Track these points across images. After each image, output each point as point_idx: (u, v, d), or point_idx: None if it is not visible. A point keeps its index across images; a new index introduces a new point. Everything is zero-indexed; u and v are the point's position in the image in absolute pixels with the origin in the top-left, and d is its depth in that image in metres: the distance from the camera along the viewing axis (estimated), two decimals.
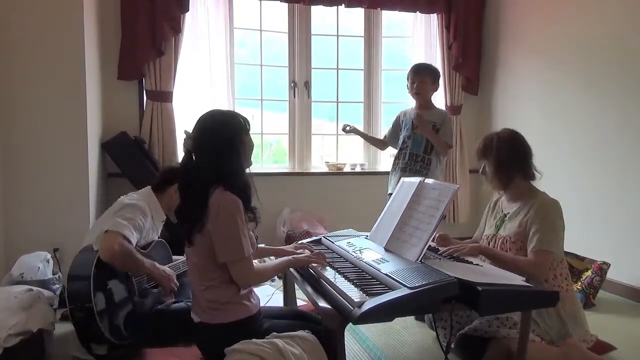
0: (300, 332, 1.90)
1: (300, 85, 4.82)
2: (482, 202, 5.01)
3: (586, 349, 2.22)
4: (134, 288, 2.40)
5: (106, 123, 4.13)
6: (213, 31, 4.43)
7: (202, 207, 1.83)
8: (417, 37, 4.99)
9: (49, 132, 3.52)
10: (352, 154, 5.13)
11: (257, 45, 4.77)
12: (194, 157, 1.92)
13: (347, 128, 3.82)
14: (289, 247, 2.39)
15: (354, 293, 1.75)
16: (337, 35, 4.98)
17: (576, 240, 3.44)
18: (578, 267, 3.53)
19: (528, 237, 2.26)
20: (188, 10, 4.22)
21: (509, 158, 2.33)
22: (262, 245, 2.39)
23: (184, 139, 1.98)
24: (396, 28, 5.26)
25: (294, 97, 4.84)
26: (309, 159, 4.91)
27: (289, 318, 2.14)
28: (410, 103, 3.71)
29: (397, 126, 3.68)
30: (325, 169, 4.92)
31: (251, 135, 2.01)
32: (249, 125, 1.99)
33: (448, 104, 4.96)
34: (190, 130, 1.96)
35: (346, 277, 1.94)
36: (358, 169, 4.98)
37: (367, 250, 2.27)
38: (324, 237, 2.71)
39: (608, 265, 3.43)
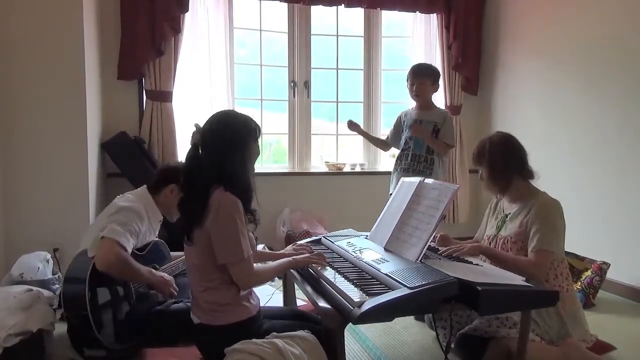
0: (300, 332, 1.89)
1: (300, 85, 4.82)
2: (482, 202, 5.02)
3: (586, 349, 2.23)
4: (131, 291, 2.37)
5: (106, 123, 4.13)
6: (213, 31, 4.43)
7: (202, 205, 1.83)
8: (417, 37, 4.99)
9: (49, 132, 3.52)
10: (352, 154, 5.13)
11: (257, 45, 4.77)
12: (200, 151, 1.92)
13: (351, 124, 3.77)
14: (288, 250, 2.38)
15: (353, 293, 1.75)
16: (337, 35, 4.98)
17: (576, 240, 3.44)
18: (578, 267, 3.53)
19: (529, 237, 2.26)
20: (188, 10, 4.22)
21: (503, 161, 2.33)
22: (261, 248, 2.39)
23: (193, 132, 1.95)
24: (396, 28, 5.26)
25: (294, 97, 4.84)
26: (309, 159, 4.91)
27: (288, 318, 2.14)
28: (410, 103, 3.71)
29: (398, 127, 3.67)
30: (325, 169, 4.92)
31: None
32: (260, 132, 1.99)
33: (448, 104, 4.96)
34: (201, 125, 1.95)
35: (346, 277, 1.94)
36: (358, 169, 4.98)
37: (367, 250, 2.27)
38: (323, 237, 2.71)
39: (608, 265, 3.43)
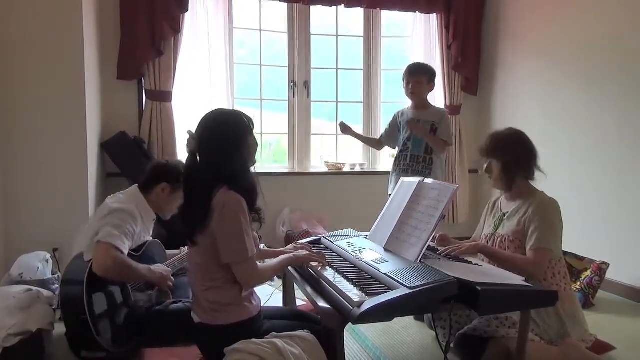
0: (299, 332, 1.89)
1: (299, 85, 4.82)
2: (481, 202, 5.01)
3: (585, 349, 2.23)
4: (129, 292, 2.36)
5: (105, 123, 4.13)
6: (212, 31, 4.43)
7: (205, 208, 1.82)
8: (417, 37, 4.99)
9: (49, 132, 3.52)
10: (352, 154, 5.13)
11: (257, 45, 4.77)
12: (198, 158, 1.91)
13: (343, 126, 3.80)
14: (289, 248, 2.38)
15: (353, 293, 1.75)
16: (337, 35, 4.98)
17: (576, 240, 3.45)
18: (577, 267, 3.53)
19: (527, 235, 2.26)
20: (188, 10, 4.22)
21: (519, 159, 2.33)
22: (262, 247, 2.39)
23: (188, 140, 1.94)
24: (396, 28, 5.26)
25: (294, 97, 4.84)
26: (309, 159, 4.91)
27: (288, 318, 2.14)
28: (408, 103, 3.71)
29: (394, 126, 3.67)
30: (324, 169, 4.92)
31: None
32: (253, 124, 1.98)
33: (447, 104, 4.96)
34: (193, 131, 1.94)
35: (346, 277, 1.94)
36: (358, 169, 4.98)
37: (367, 250, 2.27)
38: (323, 237, 2.71)
39: (607, 265, 3.44)
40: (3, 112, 3.43)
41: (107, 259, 2.15)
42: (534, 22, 4.44)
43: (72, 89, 3.55)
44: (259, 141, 2.06)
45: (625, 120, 3.57)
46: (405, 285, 1.72)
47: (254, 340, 1.81)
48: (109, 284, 2.28)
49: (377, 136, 4.08)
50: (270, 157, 5.14)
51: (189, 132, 1.94)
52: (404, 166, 3.52)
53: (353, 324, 1.73)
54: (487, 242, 2.43)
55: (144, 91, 4.28)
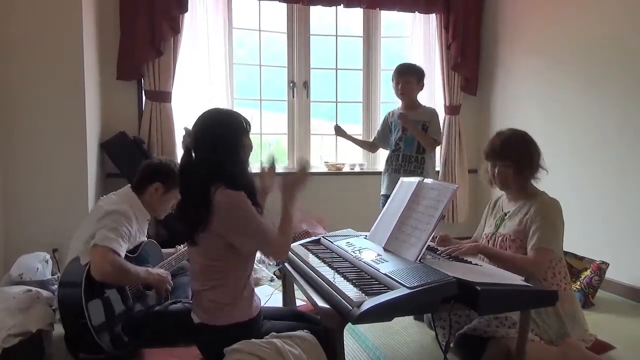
0: (299, 332, 1.89)
1: (299, 85, 4.82)
2: (481, 202, 5.01)
3: (585, 349, 2.23)
4: (127, 294, 2.35)
5: (105, 123, 4.13)
6: (212, 31, 4.43)
7: (205, 208, 1.81)
8: (416, 37, 5.00)
9: (48, 132, 3.52)
10: (351, 154, 5.12)
11: (256, 45, 4.77)
12: (193, 154, 1.91)
13: (338, 130, 3.83)
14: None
15: (353, 293, 1.75)
16: (336, 36, 4.98)
17: (576, 240, 3.45)
18: (577, 266, 3.53)
19: (528, 235, 2.26)
20: (187, 10, 4.22)
21: (531, 160, 2.32)
22: None
23: (183, 136, 1.93)
24: (395, 28, 5.26)
25: (293, 97, 4.84)
26: (308, 159, 4.91)
27: (288, 318, 2.14)
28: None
29: (386, 127, 3.71)
30: (324, 169, 4.92)
31: (251, 136, 2.00)
32: (250, 126, 1.98)
33: (447, 104, 4.96)
34: (190, 128, 1.93)
35: (345, 277, 1.94)
36: (357, 169, 4.98)
37: (366, 250, 2.27)
38: (323, 237, 2.70)
39: (607, 265, 3.44)
40: (3, 112, 3.43)
41: (105, 263, 2.13)
42: (534, 22, 4.44)
43: (71, 89, 3.55)
44: (258, 141, 2.05)
45: (625, 120, 3.57)
46: (404, 285, 1.72)
47: (253, 340, 1.81)
48: (108, 286, 2.27)
49: (372, 139, 4.08)
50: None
51: (185, 129, 1.93)
52: (395, 166, 3.55)
53: (353, 324, 1.73)
54: (488, 242, 2.43)
55: (143, 91, 4.28)
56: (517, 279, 1.94)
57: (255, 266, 3.52)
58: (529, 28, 4.50)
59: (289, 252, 2.43)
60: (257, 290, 2.06)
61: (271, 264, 4.06)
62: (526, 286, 1.88)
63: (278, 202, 2.03)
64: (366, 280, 1.91)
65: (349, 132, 3.94)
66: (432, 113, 3.56)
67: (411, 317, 2.99)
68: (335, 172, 4.87)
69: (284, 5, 4.71)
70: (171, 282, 2.47)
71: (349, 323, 1.68)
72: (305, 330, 1.92)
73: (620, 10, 3.61)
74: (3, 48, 3.41)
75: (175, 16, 4.17)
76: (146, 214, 2.50)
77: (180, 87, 4.36)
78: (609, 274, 3.48)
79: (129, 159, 3.95)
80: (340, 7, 4.79)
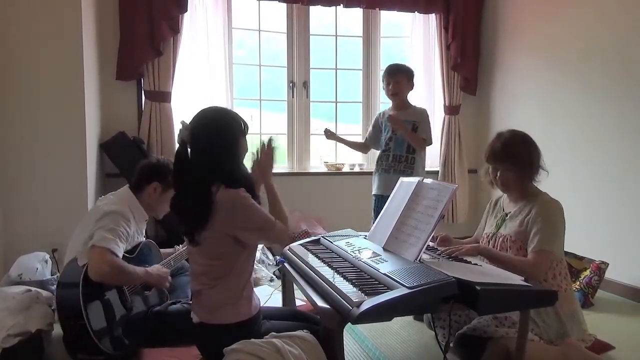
0: (299, 332, 1.89)
1: (298, 85, 4.82)
2: (481, 202, 5.02)
3: (585, 349, 2.23)
4: (126, 295, 2.34)
5: (105, 123, 4.13)
6: (212, 31, 4.43)
7: (206, 207, 1.81)
8: (416, 37, 5.00)
9: (48, 132, 3.52)
10: (351, 154, 5.11)
11: (256, 45, 4.77)
12: (189, 149, 1.90)
13: (328, 133, 3.85)
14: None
15: (352, 293, 1.74)
16: (336, 36, 4.98)
17: (575, 239, 3.44)
18: (577, 266, 3.53)
19: (529, 237, 2.25)
20: (187, 10, 4.22)
21: (531, 162, 2.31)
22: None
23: (180, 129, 1.92)
24: (395, 28, 5.26)
25: (293, 97, 4.84)
26: (308, 159, 4.92)
27: (287, 318, 2.14)
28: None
29: (377, 128, 3.72)
30: (324, 169, 4.92)
31: (250, 136, 2.01)
32: (247, 128, 1.98)
33: (446, 104, 4.96)
34: (188, 122, 1.92)
35: (345, 277, 1.94)
36: (357, 169, 4.98)
37: (366, 250, 2.27)
38: (322, 237, 2.70)
39: (606, 264, 3.44)
40: (2, 112, 3.43)
41: (103, 264, 2.12)
42: (534, 22, 4.45)
43: (71, 89, 3.55)
44: (258, 141, 2.06)
45: (626, 119, 3.57)
46: (404, 285, 1.72)
47: (253, 340, 1.81)
48: (106, 287, 2.26)
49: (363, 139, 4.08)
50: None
51: (183, 122, 1.93)
52: (386, 166, 3.56)
53: (352, 324, 1.73)
54: (489, 242, 2.42)
55: (143, 91, 4.28)
56: (516, 279, 1.93)
57: (255, 266, 3.53)
58: (529, 27, 4.50)
59: (289, 252, 2.44)
60: (256, 290, 2.06)
61: (271, 263, 4.06)
62: (526, 286, 1.88)
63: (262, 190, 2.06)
64: (366, 280, 1.91)
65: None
66: (422, 113, 3.57)
67: (411, 317, 2.99)
68: (335, 172, 4.88)
69: (284, 5, 4.71)
70: (170, 279, 2.46)
71: (349, 323, 1.68)
72: (304, 330, 1.92)
73: (620, 9, 3.61)
74: (3, 48, 3.41)
75: (175, 16, 4.17)
76: (144, 215, 2.50)
77: (180, 87, 4.36)
78: (609, 274, 3.48)
79: (128, 159, 3.94)
80: (340, 7, 4.79)
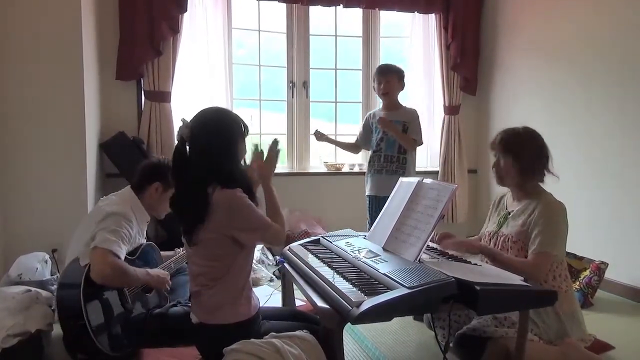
0: (298, 332, 1.90)
1: (298, 85, 4.82)
2: (481, 202, 5.02)
3: (585, 349, 2.22)
4: (126, 296, 2.34)
5: (104, 123, 4.13)
6: (211, 31, 4.43)
7: (204, 207, 1.82)
8: (415, 38, 5.00)
9: (47, 132, 3.52)
10: (351, 154, 5.11)
11: (256, 45, 4.78)
12: (187, 147, 1.90)
13: (318, 134, 3.84)
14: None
15: (352, 293, 1.74)
16: (336, 36, 4.98)
17: (575, 239, 3.44)
18: (576, 266, 3.53)
19: (530, 237, 2.24)
20: (186, 10, 4.22)
21: (531, 157, 2.30)
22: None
23: (180, 127, 1.92)
24: (394, 28, 5.26)
25: (292, 97, 4.84)
26: (308, 159, 4.92)
27: (287, 318, 2.14)
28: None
29: (367, 128, 3.73)
30: (323, 169, 4.92)
31: (249, 136, 2.00)
32: (247, 131, 1.98)
33: (446, 104, 4.96)
34: (188, 120, 1.93)
35: (344, 277, 1.94)
36: (356, 169, 4.97)
37: (366, 250, 2.27)
38: (322, 237, 2.70)
39: (606, 265, 3.44)
40: (2, 112, 3.43)
41: (105, 265, 2.13)
42: (533, 21, 4.45)
43: (71, 89, 3.55)
44: (258, 141, 2.06)
45: (626, 119, 3.57)
46: (404, 285, 1.72)
47: (252, 340, 1.81)
48: (106, 288, 2.26)
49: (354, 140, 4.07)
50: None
51: (183, 120, 1.93)
52: (378, 166, 3.58)
53: (352, 324, 1.73)
54: (490, 241, 2.41)
55: (142, 91, 4.28)
56: (516, 279, 1.93)
57: (254, 266, 3.53)
58: (529, 27, 4.50)
59: (289, 252, 2.44)
60: (256, 290, 2.07)
61: (271, 264, 4.06)
62: (525, 286, 1.88)
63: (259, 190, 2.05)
64: (365, 280, 1.91)
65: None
66: (413, 113, 3.58)
67: (410, 317, 2.99)
68: (335, 172, 4.88)
69: (284, 5, 4.71)
70: (170, 282, 2.47)
71: (349, 323, 1.68)
72: (304, 330, 1.92)
73: (620, 8, 3.61)
74: (2, 48, 3.41)
75: (175, 16, 4.17)
76: (146, 216, 2.50)
77: (180, 87, 4.36)
78: (609, 274, 3.48)
79: (128, 159, 3.94)
80: (340, 7, 4.79)
